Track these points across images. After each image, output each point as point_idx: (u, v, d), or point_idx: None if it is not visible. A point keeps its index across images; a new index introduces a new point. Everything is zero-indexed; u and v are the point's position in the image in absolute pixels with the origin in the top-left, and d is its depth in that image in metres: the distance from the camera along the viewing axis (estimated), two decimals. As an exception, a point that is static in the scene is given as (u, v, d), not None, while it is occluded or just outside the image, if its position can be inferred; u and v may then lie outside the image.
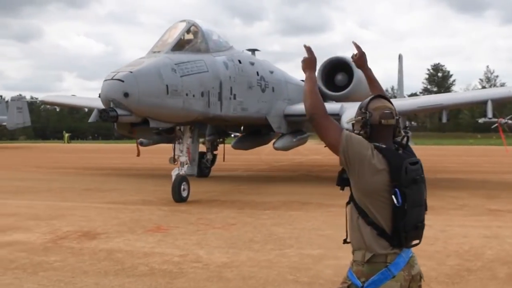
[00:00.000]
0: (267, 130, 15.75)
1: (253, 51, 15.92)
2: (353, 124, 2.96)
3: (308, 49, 3.06)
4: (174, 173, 11.13)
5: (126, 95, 9.24)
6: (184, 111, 10.49)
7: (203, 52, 11.72)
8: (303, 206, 10.92)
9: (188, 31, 11.59)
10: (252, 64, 13.94)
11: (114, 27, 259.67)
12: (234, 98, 12.82)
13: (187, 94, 10.51)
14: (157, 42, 11.23)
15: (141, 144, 12.02)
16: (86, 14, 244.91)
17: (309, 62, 3.04)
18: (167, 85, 9.92)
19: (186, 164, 11.09)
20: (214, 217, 9.60)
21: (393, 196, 2.69)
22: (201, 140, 16.03)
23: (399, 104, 14.71)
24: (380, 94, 3.03)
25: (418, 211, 2.79)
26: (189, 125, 11.29)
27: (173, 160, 11.13)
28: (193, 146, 11.10)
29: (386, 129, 2.88)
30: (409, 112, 16.03)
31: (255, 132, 16.91)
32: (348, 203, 2.91)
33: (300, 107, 14.86)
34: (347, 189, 2.92)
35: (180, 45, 11.20)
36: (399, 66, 27.03)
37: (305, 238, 7.69)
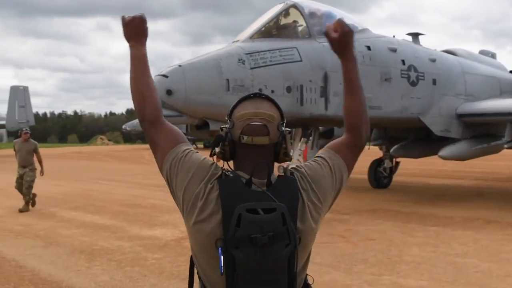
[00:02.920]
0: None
1: (415, 35, 13.07)
2: None
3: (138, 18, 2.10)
4: None
5: (169, 92, 7.99)
6: None
7: (302, 37, 9.60)
8: (484, 225, 9.17)
9: (286, 14, 9.71)
10: (394, 50, 11.01)
11: (393, 29, 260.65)
12: None
13: (260, 90, 8.43)
14: (246, 29, 9.62)
15: None
16: (366, 18, 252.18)
17: (132, 24, 2.11)
18: (227, 79, 8.40)
19: None
20: (364, 229, 8.85)
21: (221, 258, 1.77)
22: (374, 143, 14.49)
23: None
24: (259, 93, 2.00)
25: None
26: (302, 126, 9.69)
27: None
28: (311, 152, 9.22)
29: (253, 150, 1.90)
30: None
31: (425, 137, 13.39)
32: None
33: (487, 105, 11.87)
34: None
35: (265, 32, 9.36)
36: None
37: (429, 265, 6.45)
